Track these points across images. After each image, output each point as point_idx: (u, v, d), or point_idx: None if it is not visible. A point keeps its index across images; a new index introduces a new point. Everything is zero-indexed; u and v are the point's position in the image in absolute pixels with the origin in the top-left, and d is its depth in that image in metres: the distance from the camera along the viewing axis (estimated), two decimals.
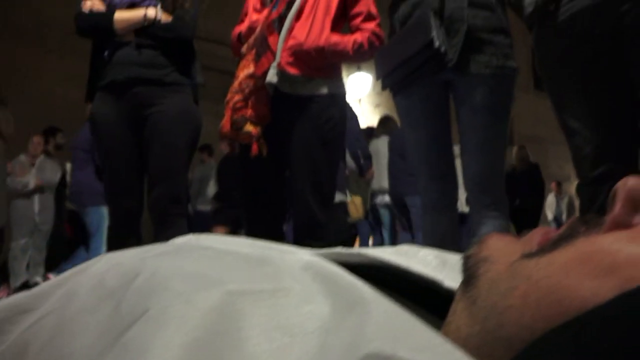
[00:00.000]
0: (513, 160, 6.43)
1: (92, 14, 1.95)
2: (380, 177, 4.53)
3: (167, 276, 0.33)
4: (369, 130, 5.30)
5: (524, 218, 5.87)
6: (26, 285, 4.30)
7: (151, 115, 1.95)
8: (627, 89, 1.34)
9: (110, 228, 2.19)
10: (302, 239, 1.85)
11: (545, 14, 1.42)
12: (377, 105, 8.60)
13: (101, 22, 1.94)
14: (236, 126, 1.84)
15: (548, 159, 9.13)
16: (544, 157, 8.80)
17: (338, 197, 4.09)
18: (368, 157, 4.48)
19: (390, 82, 1.72)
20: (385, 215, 4.81)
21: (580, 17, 1.33)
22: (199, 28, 2.17)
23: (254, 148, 1.82)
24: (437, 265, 0.37)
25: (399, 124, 2.10)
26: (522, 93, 10.42)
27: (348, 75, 7.40)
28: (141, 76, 1.93)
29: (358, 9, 1.89)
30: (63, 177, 4.83)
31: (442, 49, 1.48)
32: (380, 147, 4.54)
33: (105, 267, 0.39)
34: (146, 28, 1.94)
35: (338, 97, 1.89)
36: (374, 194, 4.77)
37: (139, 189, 2.02)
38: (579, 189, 1.47)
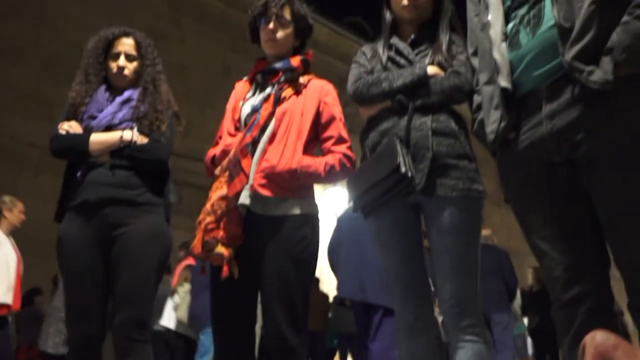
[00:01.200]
0: (529, 280, 6.67)
1: (69, 136, 1.99)
2: None
3: None
4: None
5: (545, 338, 5.95)
6: None
7: (120, 236, 1.92)
8: (590, 212, 1.38)
9: (68, 355, 2.05)
10: None
11: (506, 142, 1.49)
12: None
13: (77, 144, 1.97)
14: (207, 248, 1.81)
15: (526, 271, 9.16)
16: (522, 269, 8.82)
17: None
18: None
19: (362, 204, 1.76)
20: None
21: (539, 145, 1.39)
22: (178, 145, 2.23)
23: (225, 270, 1.79)
24: None
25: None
26: (494, 207, 10.70)
27: (324, 190, 7.54)
28: (113, 196, 1.93)
29: (329, 132, 1.97)
30: None
31: (409, 174, 1.53)
32: None
33: None
34: (122, 149, 1.98)
35: (311, 217, 1.90)
36: None
37: (101, 314, 1.94)
38: (554, 312, 1.45)
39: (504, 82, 1.44)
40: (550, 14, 1.37)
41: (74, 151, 1.99)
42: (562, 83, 1.35)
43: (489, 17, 1.53)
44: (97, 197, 1.92)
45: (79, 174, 1.97)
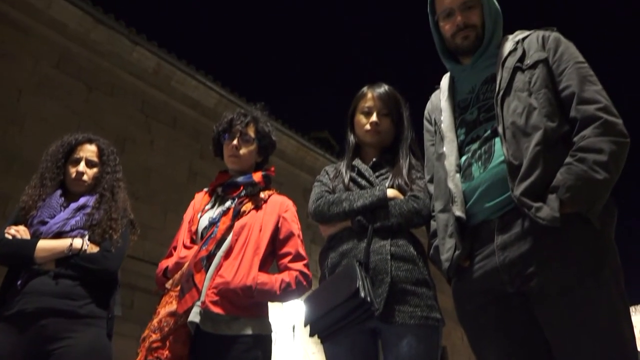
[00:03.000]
0: None
1: (14, 241, 1.90)
2: None
3: None
4: None
5: None
6: None
7: (56, 351, 1.77)
8: (544, 345, 1.36)
9: None
10: None
11: (460, 270, 1.50)
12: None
13: (22, 250, 1.87)
14: None
15: None
16: None
17: None
18: None
19: (318, 328, 1.69)
20: None
21: (492, 276, 1.41)
22: (135, 247, 2.15)
23: None
24: None
25: None
26: (454, 325, 10.55)
27: (283, 303, 7.32)
28: (53, 307, 1.81)
29: (287, 249, 1.95)
30: None
31: (368, 298, 1.50)
32: None
33: None
34: (69, 258, 1.89)
35: (263, 338, 1.81)
36: None
37: None
38: None
39: (458, 211, 1.48)
40: (500, 151, 1.45)
41: (18, 257, 1.88)
42: (512, 216, 1.39)
43: (444, 149, 1.61)
44: (35, 307, 1.80)
45: (19, 281, 1.85)
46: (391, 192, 1.80)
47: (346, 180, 1.90)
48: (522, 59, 1.54)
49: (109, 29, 6.80)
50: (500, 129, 1.45)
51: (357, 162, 1.95)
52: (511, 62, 1.54)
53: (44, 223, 1.94)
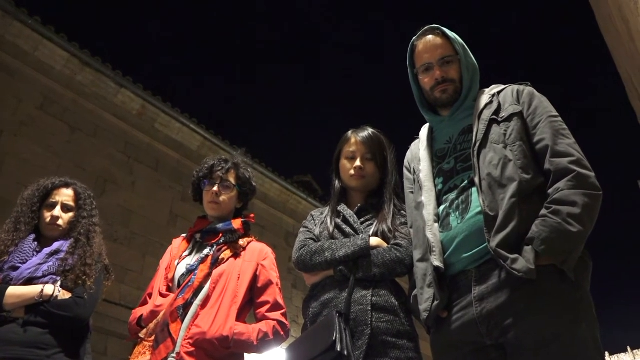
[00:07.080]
0: None
1: None
2: None
3: None
4: None
5: None
6: None
7: None
8: None
9: None
10: None
11: (439, 321, 1.49)
12: None
13: None
14: None
15: None
16: None
17: None
18: None
19: None
20: None
21: (470, 327, 1.39)
22: (111, 291, 2.09)
23: None
24: None
25: None
26: None
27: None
28: (20, 357, 1.75)
29: (265, 297, 1.91)
30: None
31: (345, 352, 1.47)
32: None
33: None
34: (39, 304, 1.83)
35: None
36: None
37: None
38: None
39: (436, 261, 1.48)
40: (477, 202, 1.46)
41: None
42: (490, 266, 1.40)
43: (423, 198, 1.62)
44: (1, 357, 1.73)
45: None
46: (374, 241, 1.76)
47: (331, 228, 1.86)
48: (497, 111, 1.58)
49: (95, 72, 6.84)
50: (476, 180, 1.48)
51: (342, 207, 1.92)
52: (487, 114, 1.58)
53: (15, 268, 1.89)
